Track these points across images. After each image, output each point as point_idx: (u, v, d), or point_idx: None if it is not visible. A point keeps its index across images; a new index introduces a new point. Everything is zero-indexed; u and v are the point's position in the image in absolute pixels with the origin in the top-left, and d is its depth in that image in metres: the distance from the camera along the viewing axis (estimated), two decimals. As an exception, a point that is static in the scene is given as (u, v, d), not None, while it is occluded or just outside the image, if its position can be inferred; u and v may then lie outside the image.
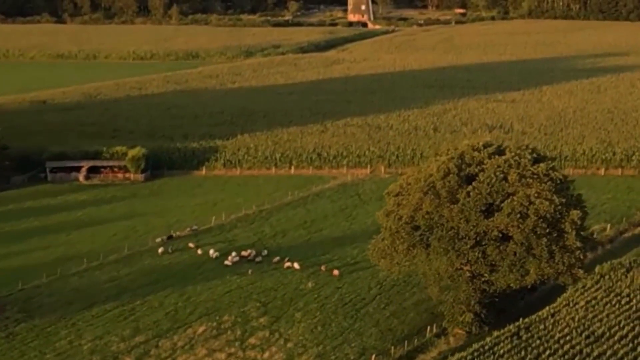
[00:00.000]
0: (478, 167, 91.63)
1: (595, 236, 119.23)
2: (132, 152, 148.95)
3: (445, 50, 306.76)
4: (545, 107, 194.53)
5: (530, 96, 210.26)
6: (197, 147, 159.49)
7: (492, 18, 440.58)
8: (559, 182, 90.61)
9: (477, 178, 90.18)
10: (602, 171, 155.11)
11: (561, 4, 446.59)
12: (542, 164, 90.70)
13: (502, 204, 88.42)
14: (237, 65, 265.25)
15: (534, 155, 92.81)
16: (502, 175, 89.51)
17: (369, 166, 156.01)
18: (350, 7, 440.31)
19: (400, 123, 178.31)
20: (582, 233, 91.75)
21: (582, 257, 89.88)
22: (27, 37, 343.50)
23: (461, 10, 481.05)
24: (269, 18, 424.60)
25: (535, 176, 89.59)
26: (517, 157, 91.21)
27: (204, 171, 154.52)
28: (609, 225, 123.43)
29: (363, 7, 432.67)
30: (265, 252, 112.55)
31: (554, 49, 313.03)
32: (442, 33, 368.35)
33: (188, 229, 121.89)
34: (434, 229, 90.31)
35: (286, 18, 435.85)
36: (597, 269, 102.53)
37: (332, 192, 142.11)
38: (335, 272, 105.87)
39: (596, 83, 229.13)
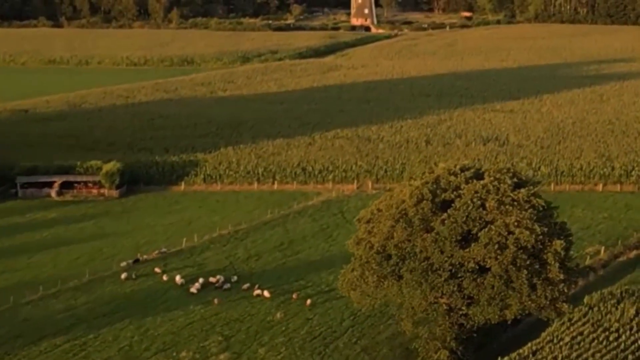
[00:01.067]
0: (454, 192, 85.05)
1: (588, 260, 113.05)
2: (106, 167, 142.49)
3: (447, 56, 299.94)
4: (544, 118, 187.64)
5: (529, 106, 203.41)
6: (177, 160, 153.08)
7: (498, 22, 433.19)
8: (541, 209, 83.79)
9: (453, 205, 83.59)
10: (600, 187, 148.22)
11: (568, 7, 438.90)
12: (522, 190, 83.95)
13: (480, 233, 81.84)
14: (231, 72, 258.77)
15: (515, 179, 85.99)
16: (479, 202, 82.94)
17: (355, 181, 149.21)
18: (353, 10, 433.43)
19: (392, 135, 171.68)
20: (566, 264, 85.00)
21: (566, 290, 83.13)
22: (20, 41, 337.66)
23: (467, 14, 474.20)
24: (270, 22, 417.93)
25: (515, 203, 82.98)
26: (496, 182, 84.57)
27: (182, 186, 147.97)
28: (602, 248, 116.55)
29: (366, 11, 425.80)
30: (235, 278, 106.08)
31: (559, 54, 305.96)
32: (445, 38, 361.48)
33: (156, 251, 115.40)
34: (406, 260, 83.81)
35: (288, 22, 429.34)
36: (586, 299, 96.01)
37: (315, 210, 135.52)
38: (308, 301, 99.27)
39: (599, 91, 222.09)
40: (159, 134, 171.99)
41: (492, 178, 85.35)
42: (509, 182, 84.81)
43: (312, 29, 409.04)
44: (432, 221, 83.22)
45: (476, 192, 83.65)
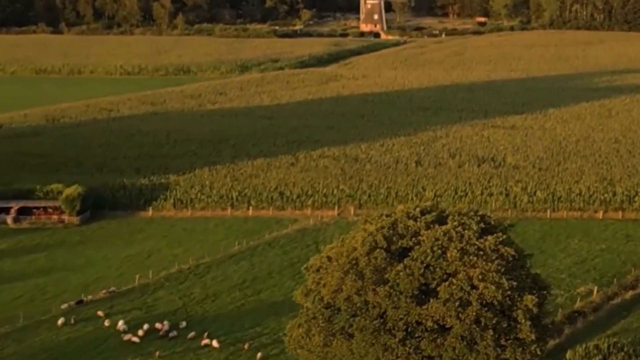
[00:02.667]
0: (413, 239, 74.86)
1: (578, 302, 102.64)
2: (67, 191, 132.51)
3: (453, 66, 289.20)
4: (546, 136, 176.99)
5: (532, 121, 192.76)
6: (146, 183, 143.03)
7: (512, 28, 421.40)
8: (510, 259, 73.39)
9: (410, 254, 73.45)
10: (600, 214, 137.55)
11: (584, 13, 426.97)
12: (490, 238, 73.69)
13: (439, 288, 71.77)
14: (224, 83, 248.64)
15: (482, 224, 75.64)
16: (440, 251, 72.74)
17: (336, 207, 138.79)
18: (362, 16, 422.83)
19: (382, 154, 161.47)
20: (540, 321, 74.81)
21: (539, 351, 72.85)
22: (14, 49, 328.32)
23: (482, 19, 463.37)
24: (277, 28, 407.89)
25: (480, 252, 72.89)
26: (460, 228, 74.32)
27: (150, 212, 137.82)
28: (596, 288, 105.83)
29: (376, 17, 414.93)
30: (184, 323, 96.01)
31: (571, 64, 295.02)
32: (455, 45, 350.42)
33: (104, 290, 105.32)
34: (357, 316, 73.77)
35: (297, 28, 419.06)
36: (568, 354, 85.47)
37: (288, 240, 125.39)
38: (258, 355, 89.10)
39: (607, 106, 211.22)
40: (133, 153, 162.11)
41: (455, 223, 75.14)
42: (475, 227, 74.71)
43: (320, 35, 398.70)
44: (386, 272, 73.16)
45: (437, 239, 73.65)
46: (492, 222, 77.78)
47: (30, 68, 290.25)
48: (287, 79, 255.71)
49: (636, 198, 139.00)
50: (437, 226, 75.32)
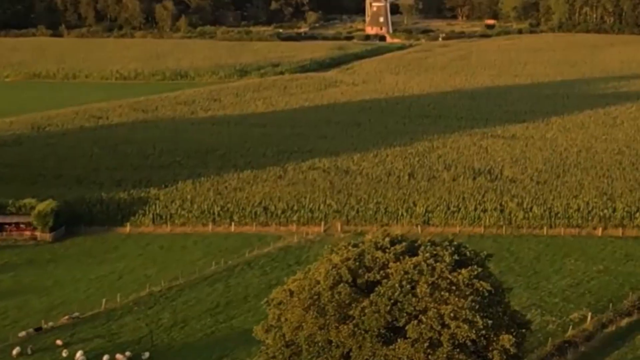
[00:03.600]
0: (381, 272, 68.95)
1: (570, 330, 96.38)
2: (39, 206, 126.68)
3: (457, 71, 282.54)
4: (547, 146, 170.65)
5: (533, 130, 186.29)
6: (125, 197, 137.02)
7: (520, 31, 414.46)
8: (486, 294, 67.34)
9: (377, 289, 67.57)
10: (599, 231, 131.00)
11: (594, 16, 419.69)
12: (464, 271, 67.73)
13: (408, 327, 65.97)
14: (219, 89, 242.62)
15: (456, 256, 69.58)
16: (409, 286, 66.84)
17: (323, 223, 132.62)
18: (368, 19, 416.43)
19: (374, 166, 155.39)
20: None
21: (517, 396, 66.90)
22: (10, 52, 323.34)
23: (491, 22, 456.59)
24: (280, 31, 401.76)
25: (453, 287, 67.11)
26: (432, 260, 68.30)
27: (128, 228, 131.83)
28: (590, 315, 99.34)
29: (381, 19, 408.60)
30: (147, 354, 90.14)
31: (577, 69, 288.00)
32: (460, 49, 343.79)
33: (67, 316, 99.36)
34: (320, 356, 67.94)
35: (302, 30, 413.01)
36: (553, 393, 79.24)
37: (268, 260, 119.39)
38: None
39: (612, 114, 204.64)
40: (116, 164, 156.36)
41: (427, 254, 69.14)
42: (448, 259, 68.80)
43: (324, 38, 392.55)
44: (350, 309, 67.36)
45: (406, 272, 67.88)
46: (468, 253, 71.70)
47: (24, 73, 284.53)
48: (285, 85, 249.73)
49: (637, 214, 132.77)
50: (407, 258, 69.42)
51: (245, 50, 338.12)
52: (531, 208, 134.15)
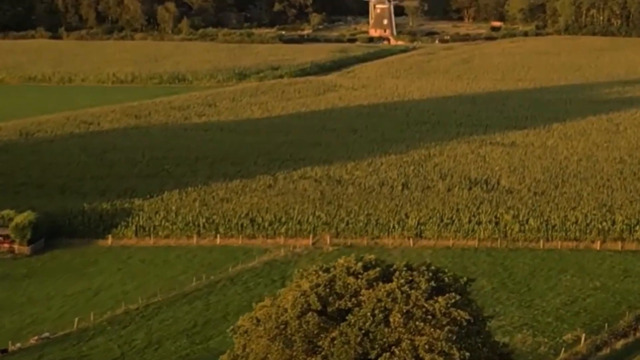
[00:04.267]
0: (353, 299, 64.55)
1: (562, 353, 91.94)
2: (18, 218, 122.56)
3: (459, 75, 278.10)
4: (547, 154, 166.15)
5: (534, 137, 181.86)
6: (108, 208, 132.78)
7: (525, 34, 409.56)
8: (465, 324, 62.88)
9: (347, 317, 63.15)
10: (597, 244, 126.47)
11: (601, 18, 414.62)
12: (441, 299, 63.20)
13: (380, 359, 61.47)
14: (216, 94, 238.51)
15: (433, 283, 65.18)
16: (382, 315, 62.41)
17: (311, 235, 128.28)
18: (371, 21, 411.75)
19: (367, 175, 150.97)
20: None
21: None
22: (7, 55, 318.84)
23: (497, 24, 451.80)
24: (283, 33, 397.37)
25: (429, 317, 62.53)
26: (407, 287, 63.92)
27: (110, 240, 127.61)
28: (584, 336, 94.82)
29: (385, 21, 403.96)
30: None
31: (582, 73, 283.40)
32: (464, 52, 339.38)
33: (36, 337, 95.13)
34: (286, 392, 63.56)
35: (305, 32, 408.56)
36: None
37: (253, 275, 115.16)
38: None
39: (616, 120, 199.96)
40: (102, 173, 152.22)
41: (402, 281, 64.72)
42: (424, 286, 64.36)
43: (327, 40, 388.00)
44: (319, 340, 62.94)
45: (379, 300, 63.42)
46: (447, 279, 67.23)
47: (20, 76, 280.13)
48: (283, 89, 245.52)
49: (637, 227, 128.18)
50: (380, 284, 65.00)
51: (246, 53, 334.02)
52: (527, 220, 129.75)
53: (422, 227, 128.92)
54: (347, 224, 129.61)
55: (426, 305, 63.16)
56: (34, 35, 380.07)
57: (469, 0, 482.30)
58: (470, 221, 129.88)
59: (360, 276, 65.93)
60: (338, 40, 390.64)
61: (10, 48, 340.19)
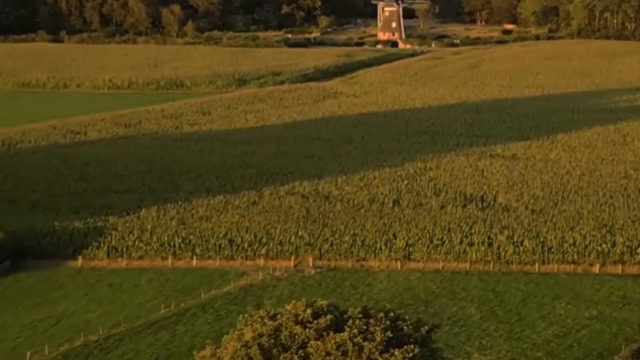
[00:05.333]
0: (300, 352, 57.75)
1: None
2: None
3: (465, 81, 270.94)
4: (548, 168, 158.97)
5: (536, 149, 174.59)
6: (80, 227, 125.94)
7: (537, 37, 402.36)
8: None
9: (292, 374, 56.26)
10: (596, 268, 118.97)
11: (615, 22, 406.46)
12: (397, 352, 56.27)
13: None
14: (211, 101, 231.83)
15: (390, 333, 58.22)
16: (332, 372, 55.48)
17: (293, 257, 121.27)
18: (380, 24, 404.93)
19: (358, 190, 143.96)
20: None
21: None
22: (3, 59, 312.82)
23: (510, 27, 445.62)
24: (289, 36, 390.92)
25: (385, 374, 55.41)
26: (360, 338, 57.05)
27: (80, 262, 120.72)
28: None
29: (394, 25, 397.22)
30: (61, 423, 78.84)
31: (592, 79, 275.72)
32: (472, 57, 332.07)
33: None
34: None
35: (312, 36, 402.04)
36: None
37: (226, 302, 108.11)
38: None
39: (623, 130, 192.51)
40: (79, 188, 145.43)
41: (355, 330, 57.78)
42: (380, 337, 57.42)
43: (334, 44, 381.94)
44: (260, 400, 56.04)
45: (328, 353, 56.66)
46: (406, 328, 60.24)
47: (13, 81, 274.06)
48: (281, 96, 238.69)
49: (639, 249, 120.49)
50: (331, 334, 58.06)
51: (248, 57, 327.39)
52: (522, 242, 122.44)
53: (411, 249, 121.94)
54: (332, 244, 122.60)
55: (380, 358, 56.34)
56: (35, 38, 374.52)
57: (481, 3, 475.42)
58: (461, 242, 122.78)
59: (309, 325, 59.25)
60: (345, 43, 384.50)
61: (8, 52, 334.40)
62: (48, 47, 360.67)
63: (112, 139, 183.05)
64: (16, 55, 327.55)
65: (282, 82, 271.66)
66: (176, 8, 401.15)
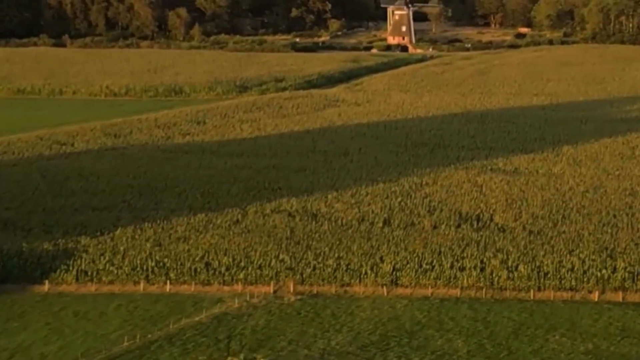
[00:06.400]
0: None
1: None
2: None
3: (472, 88, 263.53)
4: (550, 184, 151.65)
5: (540, 163, 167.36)
6: (49, 248, 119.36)
7: (550, 42, 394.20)
8: None
9: None
10: (595, 295, 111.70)
11: (630, 26, 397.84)
12: None
13: None
14: (207, 109, 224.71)
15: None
16: None
17: (272, 282, 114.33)
18: (390, 28, 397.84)
19: (348, 208, 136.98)
20: None
21: None
22: (1, 65, 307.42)
23: (524, 30, 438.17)
24: (297, 40, 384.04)
25: None
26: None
27: (47, 286, 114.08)
28: None
29: (404, 29, 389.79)
30: None
31: (604, 87, 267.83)
32: (482, 62, 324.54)
33: None
34: None
35: (321, 39, 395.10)
36: None
37: (195, 333, 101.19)
38: None
39: (633, 142, 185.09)
40: (56, 205, 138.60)
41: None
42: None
43: (343, 48, 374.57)
44: None
45: None
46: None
47: (8, 88, 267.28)
48: (280, 104, 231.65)
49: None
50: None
51: (252, 62, 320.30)
52: (517, 266, 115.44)
53: (398, 273, 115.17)
54: (314, 268, 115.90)
55: None
56: (37, 42, 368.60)
57: (495, 6, 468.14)
58: (452, 266, 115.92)
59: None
60: (354, 48, 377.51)
61: (8, 57, 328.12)
62: (49, 51, 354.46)
63: (99, 151, 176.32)
64: (15, 60, 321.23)
65: (284, 89, 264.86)
66: (182, 11, 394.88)
